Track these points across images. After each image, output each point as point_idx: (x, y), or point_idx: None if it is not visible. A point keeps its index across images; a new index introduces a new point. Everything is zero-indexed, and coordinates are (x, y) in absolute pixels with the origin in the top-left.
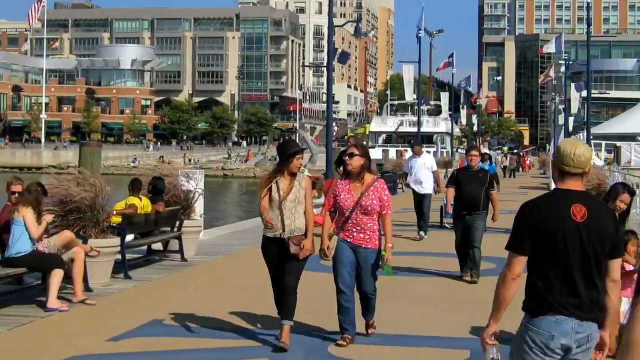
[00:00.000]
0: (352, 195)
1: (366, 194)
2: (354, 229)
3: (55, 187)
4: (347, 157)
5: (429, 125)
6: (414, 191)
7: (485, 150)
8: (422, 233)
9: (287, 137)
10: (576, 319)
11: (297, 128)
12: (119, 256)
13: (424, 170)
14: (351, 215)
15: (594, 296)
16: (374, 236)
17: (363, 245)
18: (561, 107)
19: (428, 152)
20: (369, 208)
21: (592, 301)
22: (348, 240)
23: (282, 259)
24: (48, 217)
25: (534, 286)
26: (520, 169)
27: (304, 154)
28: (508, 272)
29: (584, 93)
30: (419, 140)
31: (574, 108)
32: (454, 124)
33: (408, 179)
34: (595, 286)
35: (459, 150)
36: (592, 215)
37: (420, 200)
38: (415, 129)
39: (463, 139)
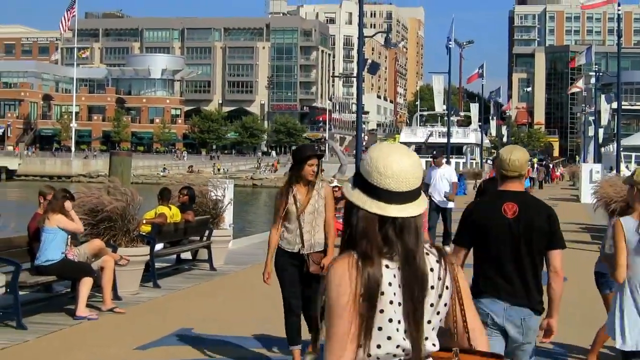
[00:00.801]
0: None
1: None
2: None
3: (87, 196)
4: None
5: (458, 136)
6: (432, 202)
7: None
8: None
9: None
10: (508, 303)
11: (327, 138)
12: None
13: (444, 182)
14: None
15: (527, 284)
16: None
17: None
18: (591, 118)
19: (449, 163)
20: None
21: (525, 288)
22: None
23: (300, 279)
24: (68, 205)
25: (476, 273)
26: (549, 180)
27: (321, 160)
28: None
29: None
30: (442, 151)
31: (604, 120)
32: (484, 135)
33: (430, 190)
34: (528, 275)
35: (488, 161)
36: (523, 212)
37: (442, 214)
38: (444, 140)
39: (492, 150)
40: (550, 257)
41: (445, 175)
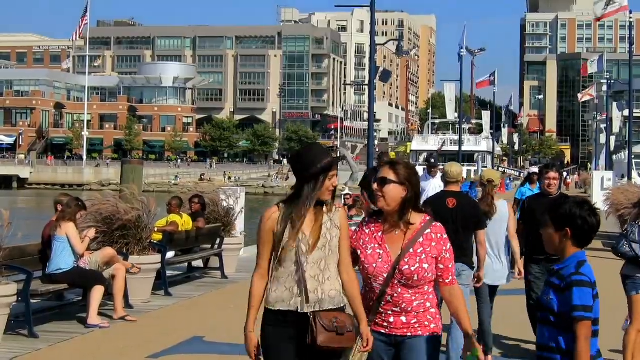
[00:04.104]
0: (387, 252)
1: (411, 250)
2: (390, 311)
3: (103, 203)
4: (376, 185)
5: (470, 144)
6: None
7: (535, 169)
8: None
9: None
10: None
11: (339, 146)
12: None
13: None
14: (385, 288)
15: (463, 250)
16: (425, 316)
17: (409, 334)
18: (603, 126)
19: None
20: (417, 276)
21: (461, 252)
22: (381, 330)
23: (299, 356)
24: (91, 233)
25: None
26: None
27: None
28: None
29: (626, 112)
30: (438, 159)
31: (616, 127)
32: (495, 142)
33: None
34: (463, 244)
35: (499, 168)
36: (459, 204)
37: None
38: (456, 148)
39: (504, 158)
40: (476, 234)
41: (442, 186)
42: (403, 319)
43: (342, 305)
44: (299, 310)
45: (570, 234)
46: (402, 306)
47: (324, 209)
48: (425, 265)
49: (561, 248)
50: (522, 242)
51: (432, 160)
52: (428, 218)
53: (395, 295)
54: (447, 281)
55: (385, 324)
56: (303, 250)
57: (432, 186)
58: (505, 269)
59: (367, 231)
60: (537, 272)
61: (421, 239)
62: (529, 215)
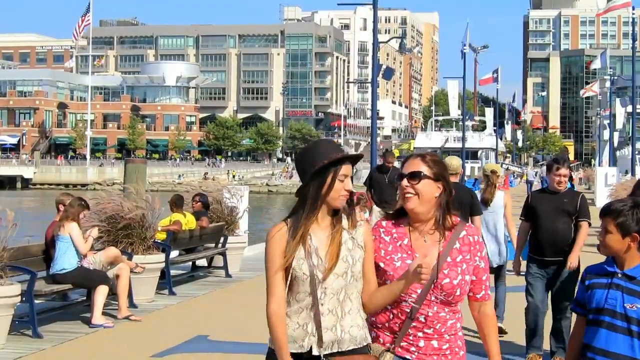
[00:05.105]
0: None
1: (449, 259)
2: (420, 333)
3: (107, 202)
4: (406, 181)
5: (473, 140)
6: None
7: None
8: None
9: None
10: None
11: (342, 144)
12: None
13: None
14: (419, 307)
15: None
16: (456, 341)
17: None
18: (606, 122)
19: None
20: (459, 291)
21: None
22: (407, 356)
23: None
24: (93, 233)
25: None
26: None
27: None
28: None
29: (629, 108)
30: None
31: (619, 123)
32: (499, 139)
33: None
34: None
35: (503, 165)
36: (456, 193)
37: None
38: (460, 145)
39: (507, 155)
40: (472, 220)
41: None
42: (434, 343)
43: (365, 343)
44: (313, 353)
45: (639, 239)
46: (437, 327)
47: (345, 223)
48: (467, 277)
49: (627, 254)
50: (522, 239)
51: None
52: (458, 219)
53: (430, 314)
54: (478, 296)
55: (413, 348)
56: (319, 278)
57: None
58: (503, 248)
59: (387, 239)
60: (535, 272)
61: (457, 245)
62: (532, 212)
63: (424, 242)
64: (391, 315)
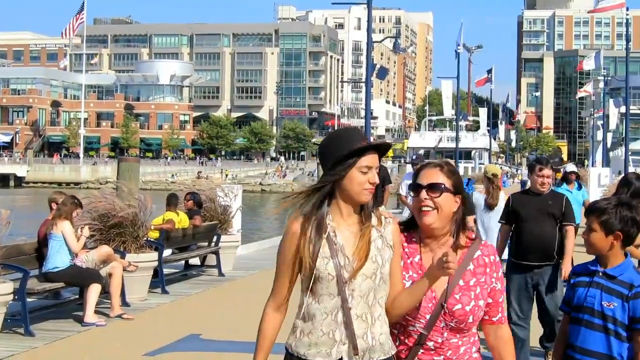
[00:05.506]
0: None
1: (461, 282)
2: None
3: (99, 200)
4: (425, 193)
5: (467, 140)
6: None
7: (572, 168)
8: None
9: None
10: None
11: None
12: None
13: None
14: (427, 333)
15: None
16: None
17: None
18: (599, 122)
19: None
20: (471, 318)
21: None
22: None
23: None
24: (85, 231)
25: None
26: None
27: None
28: None
29: (623, 109)
30: (421, 155)
31: (613, 124)
32: (492, 139)
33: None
34: None
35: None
36: None
37: None
38: (453, 145)
39: (501, 155)
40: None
41: None
42: None
43: (392, 353)
44: None
45: (622, 238)
46: (447, 354)
47: (373, 221)
48: (481, 302)
49: (611, 253)
50: (503, 244)
51: (414, 158)
52: (474, 235)
53: (440, 341)
54: (494, 319)
55: None
56: (346, 279)
57: None
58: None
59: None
60: (520, 282)
61: (471, 266)
62: (514, 215)
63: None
64: (397, 341)
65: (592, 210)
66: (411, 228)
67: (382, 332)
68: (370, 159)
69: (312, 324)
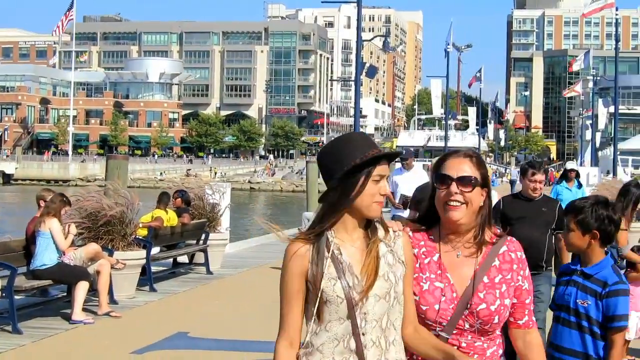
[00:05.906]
0: (450, 284)
1: (485, 279)
2: None
3: (86, 199)
4: (455, 187)
5: (456, 139)
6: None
7: (572, 165)
8: None
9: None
10: None
11: (324, 142)
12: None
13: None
14: (449, 336)
15: None
16: None
17: None
18: (588, 122)
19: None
20: (497, 318)
21: None
22: None
23: None
24: (72, 228)
25: None
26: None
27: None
28: None
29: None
30: (410, 151)
31: (602, 124)
32: (482, 138)
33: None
34: None
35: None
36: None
37: None
38: (442, 144)
39: (490, 154)
40: None
41: (418, 180)
42: None
43: None
44: None
45: (599, 236)
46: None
47: (381, 234)
48: (507, 301)
49: (589, 251)
50: None
51: (404, 153)
52: (499, 231)
53: (464, 344)
54: (521, 322)
55: None
56: (356, 300)
57: (405, 179)
58: None
59: (414, 251)
60: None
61: (496, 262)
62: (503, 219)
63: (456, 258)
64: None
65: (570, 209)
66: (426, 224)
67: (398, 358)
68: (382, 168)
69: (322, 353)
